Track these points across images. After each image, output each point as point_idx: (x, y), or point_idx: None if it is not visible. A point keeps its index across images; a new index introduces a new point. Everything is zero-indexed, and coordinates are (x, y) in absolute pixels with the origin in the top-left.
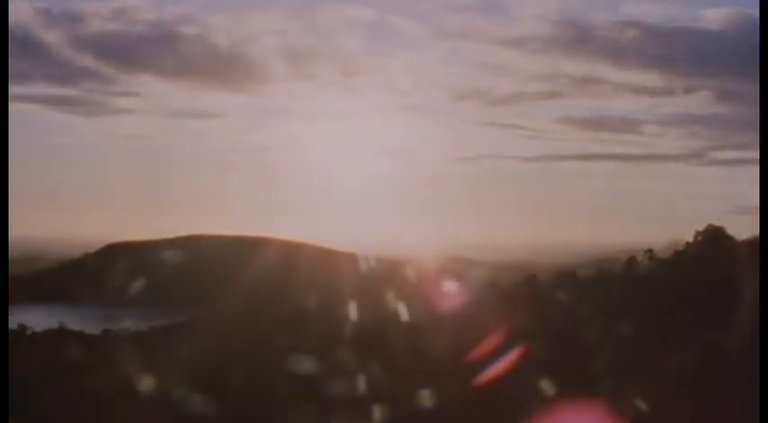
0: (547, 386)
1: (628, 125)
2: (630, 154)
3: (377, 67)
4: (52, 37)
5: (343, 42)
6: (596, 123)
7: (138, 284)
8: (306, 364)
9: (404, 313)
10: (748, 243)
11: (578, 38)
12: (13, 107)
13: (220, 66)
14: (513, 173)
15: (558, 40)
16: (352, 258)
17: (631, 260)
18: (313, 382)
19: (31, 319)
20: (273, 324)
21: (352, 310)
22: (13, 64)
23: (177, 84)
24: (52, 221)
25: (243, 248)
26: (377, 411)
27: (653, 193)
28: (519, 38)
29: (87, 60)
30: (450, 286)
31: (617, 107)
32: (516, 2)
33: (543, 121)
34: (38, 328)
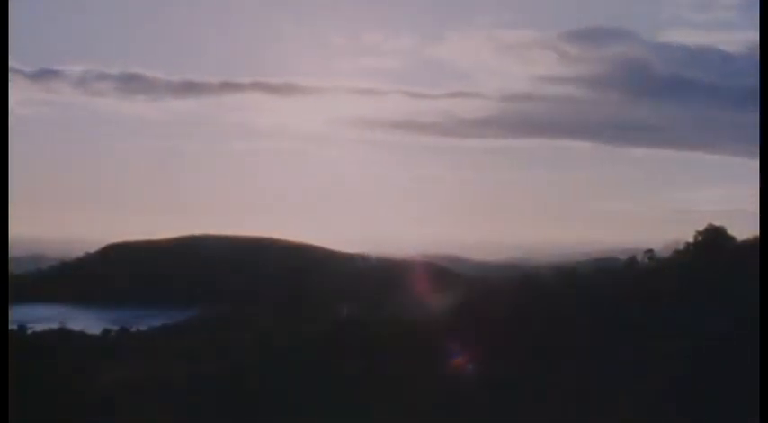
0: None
1: None
2: None
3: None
4: None
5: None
6: None
7: (138, 284)
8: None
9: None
10: None
11: None
12: None
13: None
14: None
15: None
16: (352, 258)
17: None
18: (312, 379)
19: (31, 318)
20: (274, 323)
21: (353, 309)
22: None
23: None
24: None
25: (243, 248)
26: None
27: None
28: None
29: None
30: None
31: None
32: None
33: None
34: (38, 328)
